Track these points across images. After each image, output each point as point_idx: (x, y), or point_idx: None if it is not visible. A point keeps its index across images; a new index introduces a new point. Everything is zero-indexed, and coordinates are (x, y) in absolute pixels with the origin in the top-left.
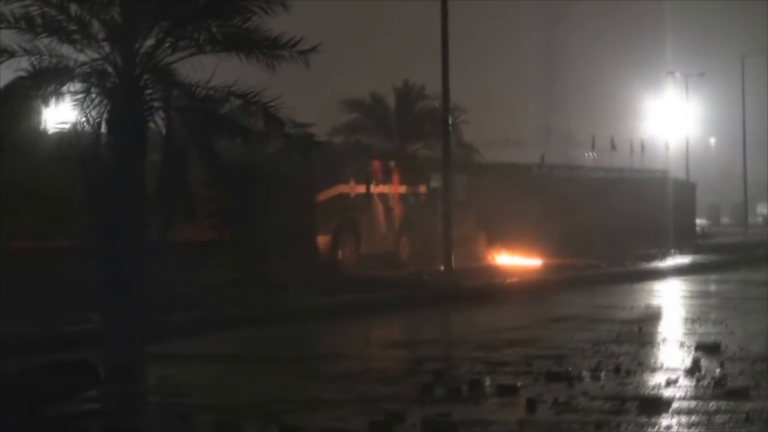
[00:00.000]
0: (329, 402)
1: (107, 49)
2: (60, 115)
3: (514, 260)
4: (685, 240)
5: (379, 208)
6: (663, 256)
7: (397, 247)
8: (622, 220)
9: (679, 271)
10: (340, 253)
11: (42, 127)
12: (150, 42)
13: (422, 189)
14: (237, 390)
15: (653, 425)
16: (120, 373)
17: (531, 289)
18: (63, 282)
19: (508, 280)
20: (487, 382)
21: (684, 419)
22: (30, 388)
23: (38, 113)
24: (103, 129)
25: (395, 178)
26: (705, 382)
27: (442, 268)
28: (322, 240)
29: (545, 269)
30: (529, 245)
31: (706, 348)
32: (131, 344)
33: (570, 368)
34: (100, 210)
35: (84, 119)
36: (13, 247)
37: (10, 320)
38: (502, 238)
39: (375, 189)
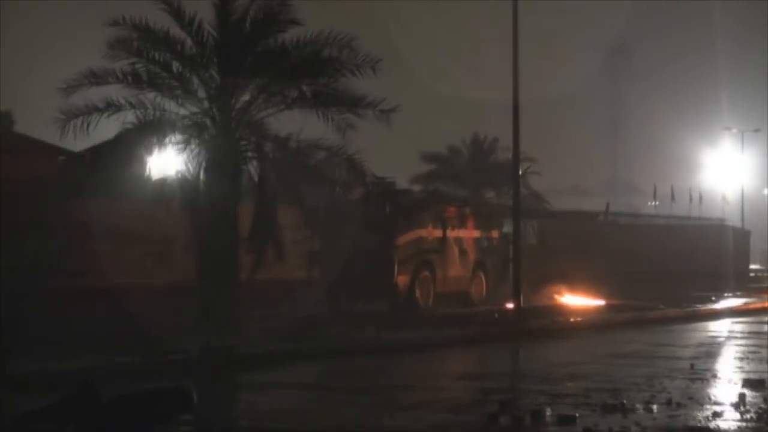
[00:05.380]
0: (401, 428)
1: (206, 104)
2: (162, 163)
3: (578, 300)
4: (739, 283)
5: (455, 251)
6: (718, 298)
7: (470, 287)
8: (680, 265)
9: (732, 313)
10: (417, 292)
11: (146, 173)
12: (245, 98)
13: (494, 234)
14: (318, 416)
15: None
16: (213, 399)
17: (593, 327)
18: (163, 315)
19: (572, 319)
20: (548, 412)
21: None
22: (130, 412)
23: (142, 161)
24: (201, 176)
25: (470, 223)
26: (749, 416)
27: (512, 306)
28: (402, 280)
29: (607, 309)
30: (594, 287)
31: (752, 384)
32: (224, 373)
33: (625, 401)
34: (198, 249)
35: (184, 167)
36: (120, 283)
37: (114, 350)
38: (568, 279)
39: (451, 233)
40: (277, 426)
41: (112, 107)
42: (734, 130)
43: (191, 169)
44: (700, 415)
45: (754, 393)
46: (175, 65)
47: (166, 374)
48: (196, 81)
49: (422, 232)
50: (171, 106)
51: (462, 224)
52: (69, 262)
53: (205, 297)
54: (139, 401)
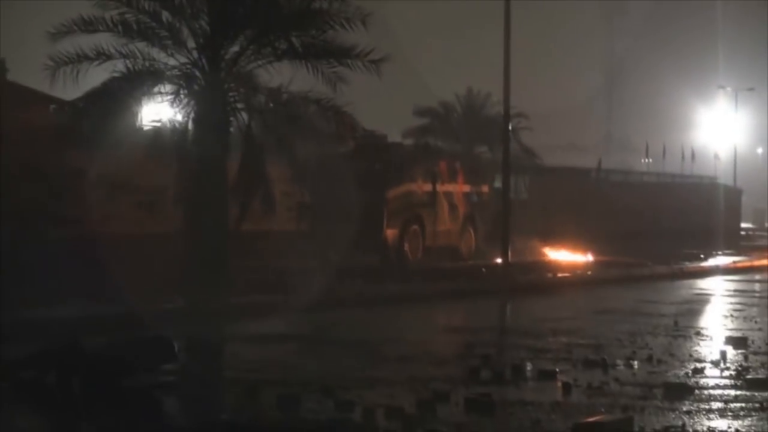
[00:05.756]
0: (384, 381)
1: (195, 54)
2: (152, 113)
3: (568, 256)
4: (730, 242)
5: (444, 205)
6: (707, 256)
7: (459, 242)
8: (672, 222)
9: (720, 271)
10: (406, 246)
11: (135, 123)
12: (234, 49)
13: (485, 188)
14: (302, 368)
15: (674, 409)
16: (198, 349)
17: (581, 284)
18: (152, 265)
19: (559, 275)
20: (529, 366)
21: (704, 405)
22: (111, 361)
23: (132, 111)
24: (190, 127)
25: (460, 177)
26: (728, 373)
27: (500, 261)
28: (391, 233)
29: (596, 266)
30: (584, 243)
31: (733, 341)
32: (210, 323)
33: (606, 356)
34: (187, 200)
35: (173, 118)
36: (111, 232)
37: (101, 301)
38: (559, 235)
39: (441, 187)
40: (260, 376)
41: (102, 56)
42: (728, 89)
43: (181, 119)
44: (680, 371)
45: (735, 350)
46: (165, 15)
47: (153, 324)
48: (185, 31)
49: (412, 186)
50: (161, 56)
51: (452, 179)
52: (61, 210)
53: (193, 248)
54: (122, 351)
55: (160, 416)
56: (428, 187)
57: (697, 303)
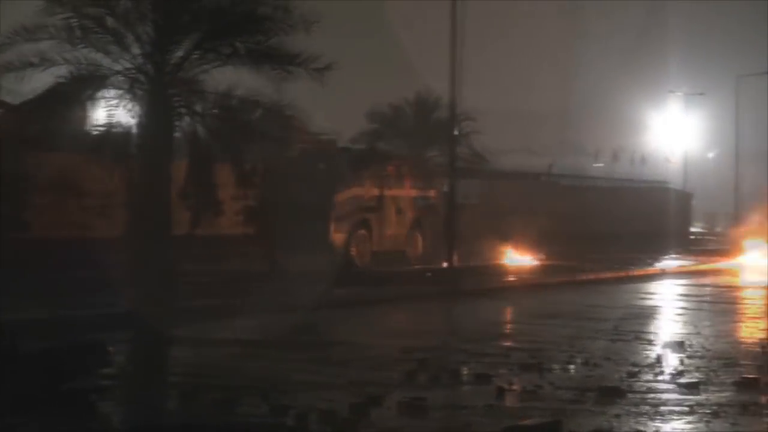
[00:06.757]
0: (321, 385)
1: (139, 59)
2: (102, 117)
3: (515, 260)
4: (680, 245)
5: (392, 209)
6: (655, 260)
7: (407, 246)
8: (622, 226)
9: (667, 275)
10: (353, 251)
11: (83, 128)
12: (179, 54)
13: (433, 192)
14: (241, 372)
15: (604, 413)
16: (136, 353)
17: (526, 288)
18: (98, 270)
19: (506, 279)
20: (466, 370)
21: (634, 408)
22: (47, 365)
23: (78, 116)
24: (135, 131)
25: (408, 181)
26: (662, 376)
27: (446, 265)
28: (337, 238)
29: (543, 270)
30: (533, 247)
31: (671, 345)
32: (154, 328)
33: (543, 360)
34: (132, 205)
35: (117, 122)
36: (57, 236)
37: (46, 304)
38: (508, 239)
39: (388, 192)
40: (199, 380)
41: (46, 62)
42: (679, 93)
43: (125, 124)
44: (615, 374)
45: (672, 354)
46: (110, 21)
47: (95, 328)
48: (130, 36)
49: (359, 190)
50: (106, 61)
51: (400, 182)
52: (8, 214)
53: (138, 252)
54: (57, 355)
55: (95, 420)
56: (376, 191)
57: (640, 307)
